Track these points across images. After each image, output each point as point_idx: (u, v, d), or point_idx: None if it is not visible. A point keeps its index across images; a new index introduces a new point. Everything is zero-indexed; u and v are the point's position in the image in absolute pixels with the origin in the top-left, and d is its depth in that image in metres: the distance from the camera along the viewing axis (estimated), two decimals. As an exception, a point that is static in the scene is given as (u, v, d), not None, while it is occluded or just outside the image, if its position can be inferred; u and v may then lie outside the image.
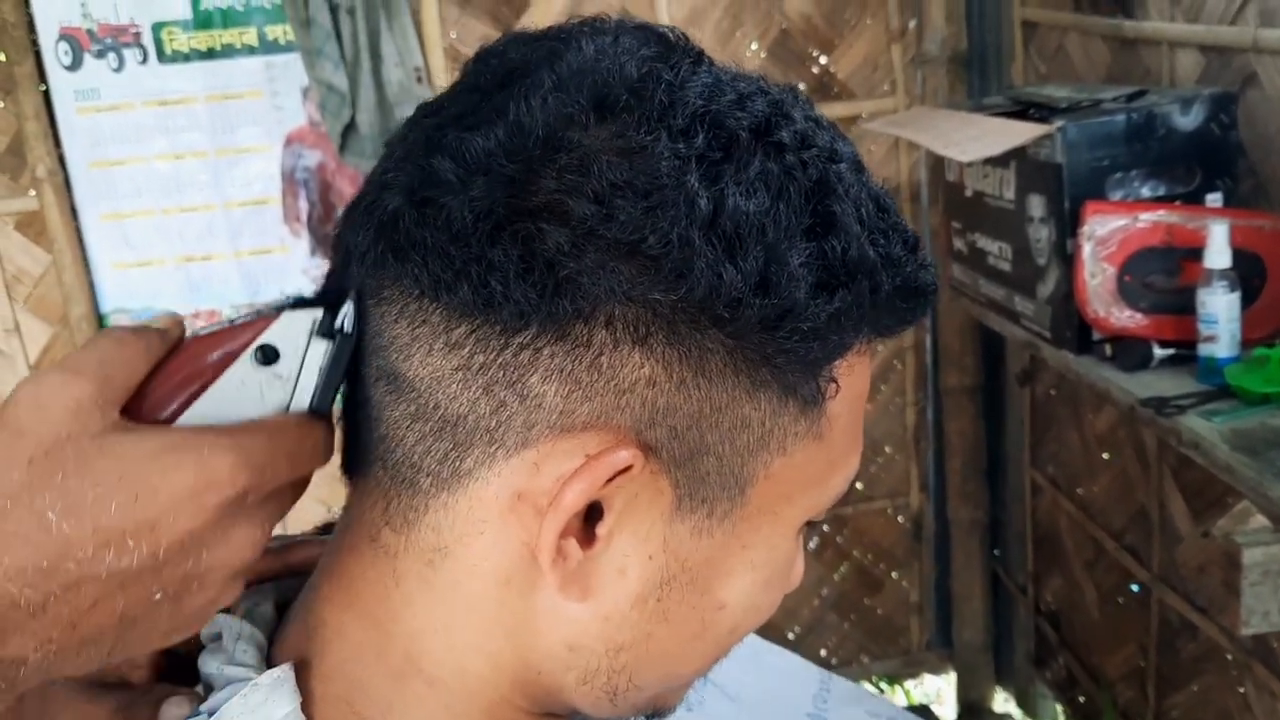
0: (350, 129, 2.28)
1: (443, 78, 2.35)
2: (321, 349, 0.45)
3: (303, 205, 2.41)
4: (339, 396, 0.48)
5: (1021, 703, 2.77)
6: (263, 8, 2.28)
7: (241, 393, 0.45)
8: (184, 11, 2.28)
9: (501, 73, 0.44)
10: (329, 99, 2.26)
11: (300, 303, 0.46)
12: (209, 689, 0.50)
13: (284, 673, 0.46)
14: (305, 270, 2.44)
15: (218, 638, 0.51)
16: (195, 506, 0.41)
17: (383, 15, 2.25)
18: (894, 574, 2.87)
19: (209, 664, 0.50)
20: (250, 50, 2.31)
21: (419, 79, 2.31)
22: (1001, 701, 2.85)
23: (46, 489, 0.39)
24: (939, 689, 2.97)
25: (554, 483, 0.42)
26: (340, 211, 0.48)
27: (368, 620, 0.47)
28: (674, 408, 0.42)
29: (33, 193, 2.34)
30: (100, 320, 2.41)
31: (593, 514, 0.43)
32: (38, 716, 0.54)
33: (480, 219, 0.40)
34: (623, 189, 0.40)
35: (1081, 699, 2.43)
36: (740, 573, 0.46)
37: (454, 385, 0.42)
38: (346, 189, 2.41)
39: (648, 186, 0.40)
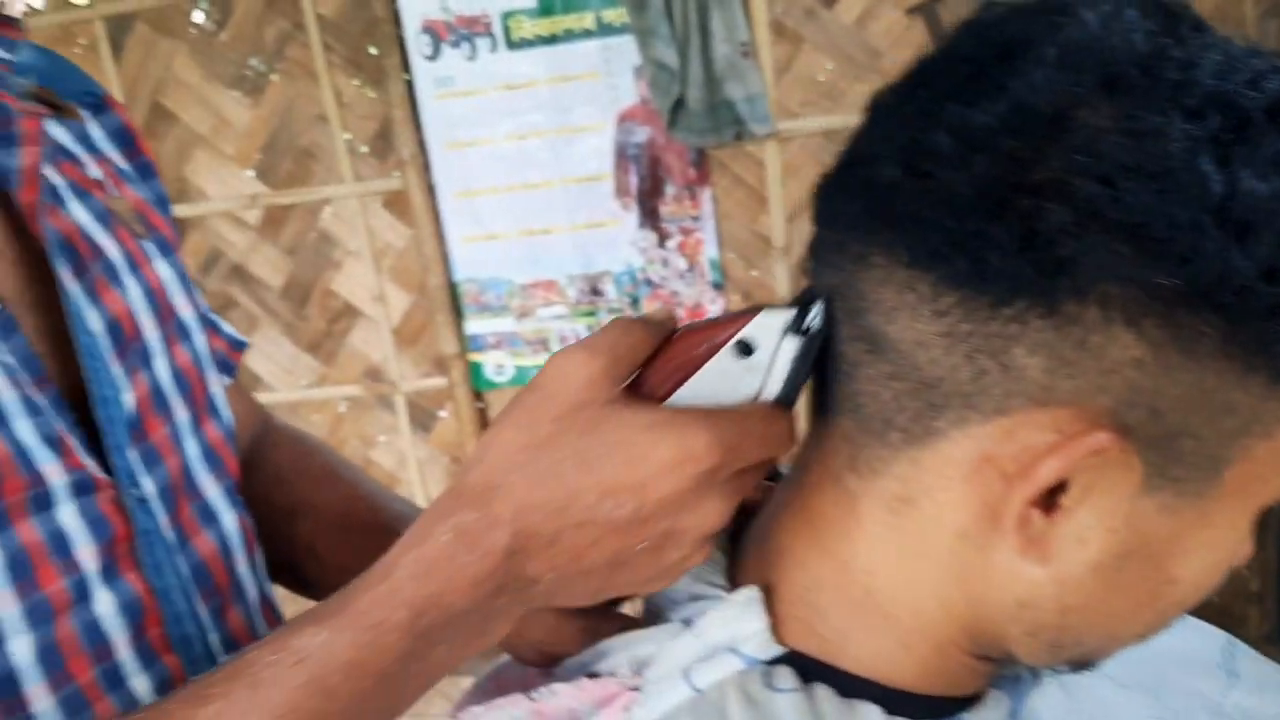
0: (679, 105, 2.37)
1: (767, 51, 2.40)
2: (792, 345, 0.50)
3: (633, 180, 2.53)
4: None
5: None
6: (600, -8, 2.41)
7: (720, 380, 0.50)
8: (530, 0, 2.44)
9: (998, 45, 0.44)
10: (659, 77, 2.36)
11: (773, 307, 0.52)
12: (662, 607, 0.56)
13: (755, 593, 0.51)
14: (634, 242, 2.56)
15: None
16: (676, 475, 0.47)
17: (712, -8, 2.33)
18: (1234, 561, 2.69)
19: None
20: (588, 34, 2.44)
21: (745, 54, 2.36)
22: (1358, 705, 2.62)
23: (565, 444, 0.47)
24: None
25: (1022, 450, 0.43)
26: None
27: (829, 555, 0.51)
28: (1158, 390, 0.42)
29: (397, 174, 2.59)
30: (453, 289, 2.64)
31: (1057, 483, 0.44)
32: (516, 623, 0.63)
33: (981, 194, 0.41)
34: (1132, 171, 0.40)
35: None
36: (1197, 550, 0.47)
37: (936, 350, 0.44)
38: (674, 164, 2.50)
39: (1157, 169, 0.40)
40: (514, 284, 2.63)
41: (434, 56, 2.50)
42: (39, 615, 0.55)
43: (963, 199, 0.42)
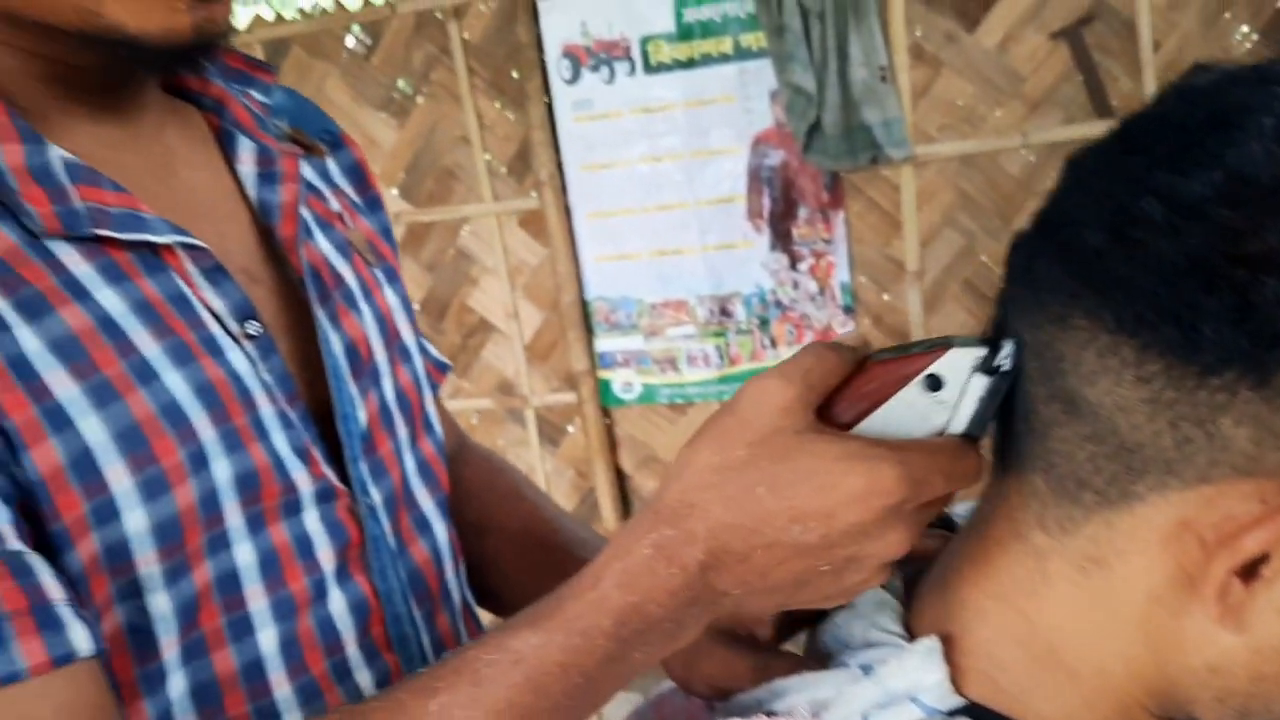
0: (814, 129, 2.38)
1: (905, 75, 2.39)
2: (981, 383, 0.50)
3: (766, 202, 2.54)
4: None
5: None
6: (738, 18, 2.43)
7: (908, 412, 0.51)
8: (668, 25, 2.47)
9: (1212, 113, 0.44)
10: (795, 101, 2.37)
11: (962, 341, 0.52)
12: (835, 651, 0.57)
13: (935, 644, 0.52)
14: (764, 264, 2.57)
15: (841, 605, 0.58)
16: (863, 506, 0.48)
17: (851, 17, 2.32)
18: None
19: (847, 627, 0.57)
20: (725, 58, 2.47)
21: (883, 78, 2.36)
22: None
23: (758, 468, 0.49)
24: None
25: (1224, 520, 0.43)
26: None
27: (1012, 610, 0.52)
28: None
29: (534, 194, 2.66)
30: (585, 307, 2.69)
31: (1260, 555, 0.44)
32: (686, 655, 0.65)
33: (1194, 265, 0.41)
34: None
35: None
36: None
37: (1139, 416, 0.44)
38: (808, 187, 2.51)
39: None
40: (644, 303, 2.66)
41: (573, 80, 2.56)
42: (284, 610, 0.61)
43: (1174, 268, 0.42)
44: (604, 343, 2.72)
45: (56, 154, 0.56)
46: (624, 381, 2.73)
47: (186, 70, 0.66)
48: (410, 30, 2.65)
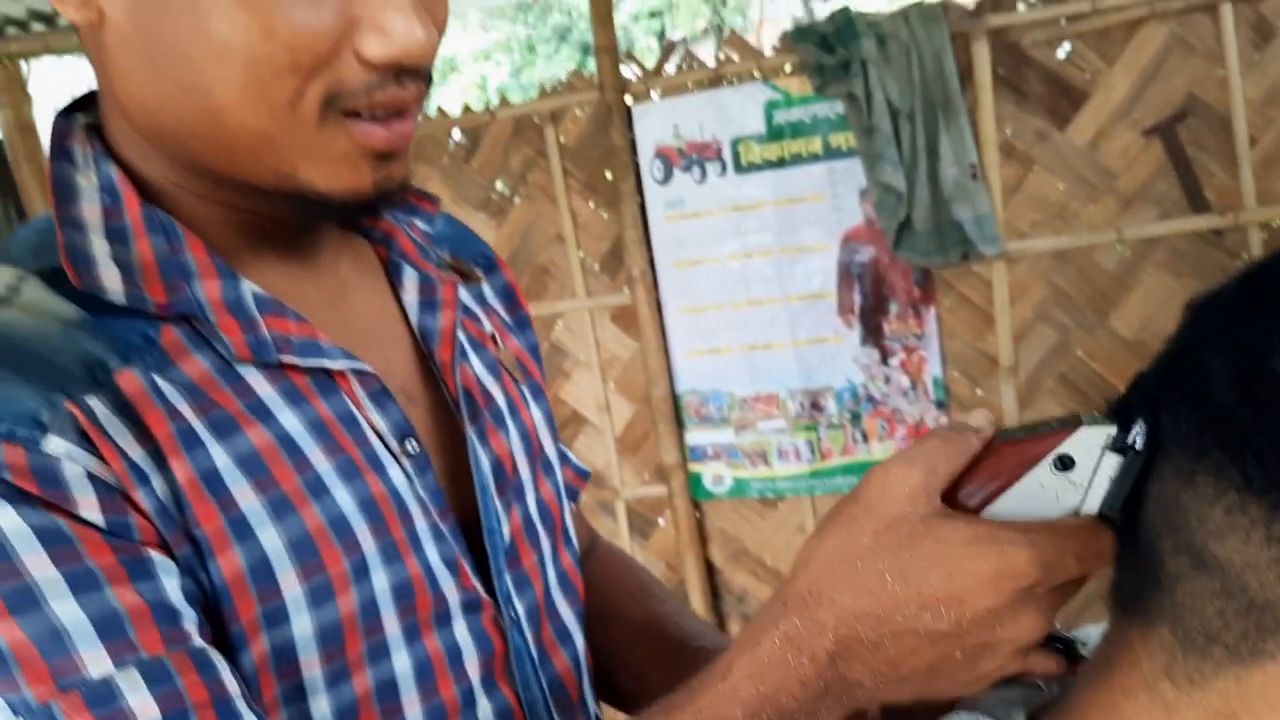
0: (905, 226, 2.40)
1: (996, 172, 2.41)
2: (1113, 462, 0.50)
3: (856, 298, 2.56)
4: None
5: None
6: (828, 119, 2.48)
7: (1039, 493, 0.51)
8: (758, 126, 2.53)
9: None
10: (885, 199, 2.40)
11: (1091, 419, 0.52)
12: None
13: None
14: (856, 358, 2.58)
15: None
16: (995, 590, 0.49)
17: (941, 117, 2.36)
18: None
19: None
20: (815, 158, 2.51)
21: (973, 175, 2.38)
22: None
23: (886, 555, 0.50)
24: None
25: None
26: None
27: None
28: None
29: (626, 290, 2.71)
30: (676, 400, 2.72)
31: None
32: None
33: None
34: None
35: None
36: None
37: (1269, 574, 0.44)
38: (899, 282, 2.52)
39: None
40: (735, 397, 2.68)
41: (666, 180, 2.63)
42: (436, 717, 0.64)
43: None
44: (695, 436, 2.74)
45: (248, 288, 0.61)
46: (715, 475, 2.74)
47: (365, 217, 0.72)
48: (508, 134, 2.75)
